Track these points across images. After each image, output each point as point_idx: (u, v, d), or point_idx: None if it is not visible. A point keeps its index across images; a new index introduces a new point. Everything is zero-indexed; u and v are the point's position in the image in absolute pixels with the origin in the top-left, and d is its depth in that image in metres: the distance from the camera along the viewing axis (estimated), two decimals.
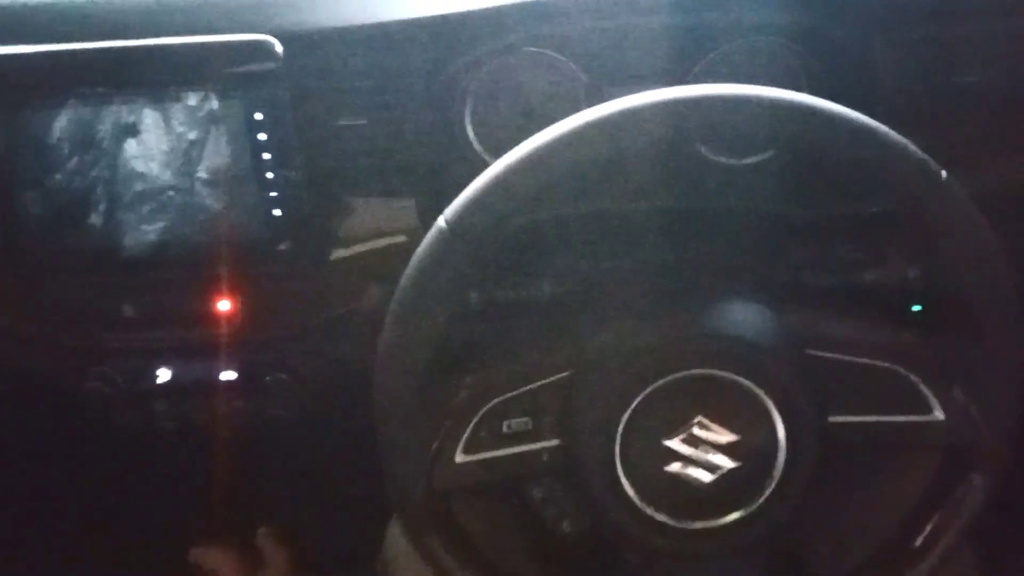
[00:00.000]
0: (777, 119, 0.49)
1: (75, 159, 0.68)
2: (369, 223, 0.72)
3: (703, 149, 0.73)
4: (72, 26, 0.68)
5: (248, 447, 0.80)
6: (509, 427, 0.55)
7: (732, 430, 0.53)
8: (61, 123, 0.67)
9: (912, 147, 0.50)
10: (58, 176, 0.69)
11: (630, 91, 0.51)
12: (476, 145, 0.74)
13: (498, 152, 0.52)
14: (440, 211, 0.52)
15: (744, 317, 0.56)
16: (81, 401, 0.75)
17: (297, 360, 0.76)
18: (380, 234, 0.73)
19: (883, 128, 0.50)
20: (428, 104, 0.70)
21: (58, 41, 0.66)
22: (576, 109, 0.52)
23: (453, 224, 0.51)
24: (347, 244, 0.73)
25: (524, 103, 0.73)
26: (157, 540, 0.97)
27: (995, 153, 0.71)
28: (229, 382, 0.76)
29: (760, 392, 0.52)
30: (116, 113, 0.67)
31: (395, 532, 0.82)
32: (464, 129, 0.73)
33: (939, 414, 0.54)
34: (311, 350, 0.76)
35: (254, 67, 0.65)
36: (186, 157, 0.68)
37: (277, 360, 0.75)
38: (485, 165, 0.52)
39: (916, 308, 0.66)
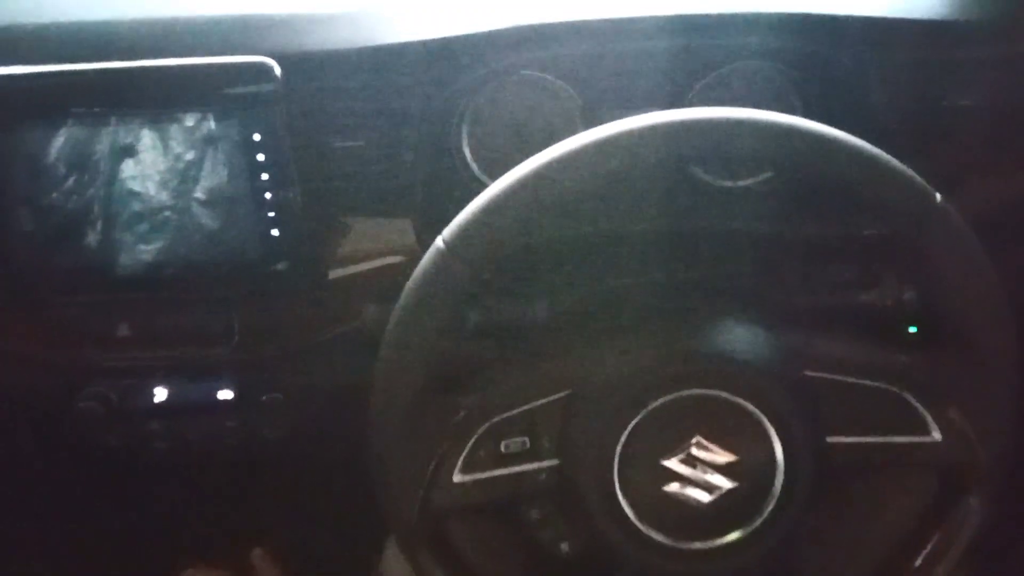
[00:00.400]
0: (773, 142, 0.50)
1: (72, 179, 0.68)
2: (366, 244, 0.73)
3: (699, 171, 0.73)
4: (71, 47, 0.68)
5: (243, 467, 0.80)
6: (507, 447, 0.55)
7: (730, 450, 0.53)
8: (58, 143, 0.67)
9: (908, 171, 0.50)
10: (54, 195, 0.69)
11: (626, 115, 0.52)
12: (473, 167, 0.74)
13: (495, 174, 0.53)
14: (437, 232, 0.52)
15: (742, 338, 0.56)
16: (75, 420, 0.75)
17: (293, 380, 0.75)
18: (377, 255, 0.73)
19: (879, 152, 0.50)
20: (425, 126, 0.70)
21: (56, 62, 0.66)
22: (572, 132, 0.52)
23: (451, 244, 0.51)
24: (344, 264, 0.73)
25: (521, 126, 0.74)
26: (151, 560, 0.96)
27: (988, 176, 0.72)
28: (224, 402, 0.75)
29: (758, 412, 0.52)
30: (113, 133, 0.67)
31: (391, 553, 0.82)
32: (461, 151, 0.74)
33: (936, 435, 0.54)
34: (307, 370, 0.76)
35: (252, 88, 0.66)
36: (183, 177, 0.69)
37: (273, 380, 0.75)
38: (482, 187, 0.52)
39: (912, 330, 0.66)
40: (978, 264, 0.52)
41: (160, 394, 0.76)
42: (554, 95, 0.73)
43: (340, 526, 0.95)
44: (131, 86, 0.67)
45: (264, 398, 0.75)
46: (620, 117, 0.51)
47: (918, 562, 0.56)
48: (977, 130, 0.72)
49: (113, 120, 0.67)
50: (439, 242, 0.52)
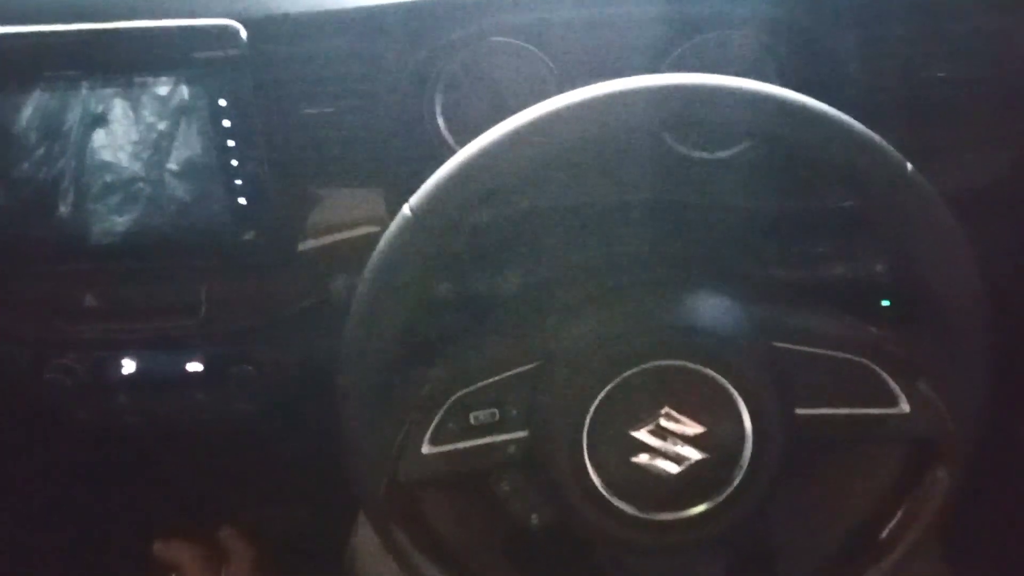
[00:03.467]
0: (747, 109, 0.49)
1: (36, 147, 0.67)
2: (337, 213, 0.71)
3: (673, 142, 0.72)
4: (38, 9, 0.66)
5: (213, 440, 0.79)
6: (476, 419, 0.54)
7: (699, 421, 0.53)
8: (27, 110, 0.66)
9: (879, 140, 0.50)
10: (20, 165, 0.67)
11: (600, 82, 0.51)
12: (446, 135, 0.73)
13: (468, 141, 0.52)
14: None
15: (711, 309, 0.55)
16: (42, 392, 0.74)
17: (263, 353, 0.75)
18: (348, 225, 0.72)
19: (849, 120, 0.50)
20: (397, 93, 0.69)
21: (24, 23, 0.64)
22: (545, 99, 0.51)
23: (418, 212, 0.50)
24: (314, 235, 0.72)
25: (494, 93, 0.72)
26: (119, 534, 0.95)
27: (964, 149, 0.72)
28: (193, 374, 0.74)
29: (727, 383, 0.52)
30: (83, 99, 0.66)
31: (364, 528, 0.82)
32: (434, 118, 0.73)
33: (905, 407, 0.54)
34: (278, 343, 0.75)
35: (218, 52, 0.64)
36: (149, 144, 0.67)
37: (243, 353, 0.74)
38: (455, 153, 0.51)
39: (885, 303, 0.66)
40: (949, 235, 0.52)
41: (128, 366, 0.75)
42: (528, 62, 0.71)
43: (312, 501, 0.95)
44: (98, 48, 0.65)
45: (234, 370, 0.74)
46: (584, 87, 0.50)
47: (884, 533, 0.56)
48: (954, 102, 0.71)
49: (82, 85, 0.66)
50: (405, 209, 0.51)
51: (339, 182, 0.71)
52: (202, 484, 0.85)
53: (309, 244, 0.72)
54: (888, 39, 0.70)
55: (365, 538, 0.81)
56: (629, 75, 0.51)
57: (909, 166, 0.50)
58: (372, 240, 0.60)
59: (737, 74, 0.51)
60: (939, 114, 0.71)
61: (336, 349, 0.54)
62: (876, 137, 0.50)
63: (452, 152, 0.72)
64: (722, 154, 0.73)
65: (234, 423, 0.77)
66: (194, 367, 0.74)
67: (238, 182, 0.67)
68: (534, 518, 0.62)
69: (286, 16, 0.66)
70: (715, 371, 0.52)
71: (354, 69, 0.67)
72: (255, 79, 0.65)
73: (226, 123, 0.66)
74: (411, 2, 0.67)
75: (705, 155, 0.73)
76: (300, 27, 0.66)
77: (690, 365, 0.52)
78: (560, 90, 0.70)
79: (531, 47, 0.71)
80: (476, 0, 0.68)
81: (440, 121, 0.73)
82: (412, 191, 0.52)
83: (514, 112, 0.51)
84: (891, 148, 0.50)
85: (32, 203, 0.68)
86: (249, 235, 0.69)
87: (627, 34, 0.70)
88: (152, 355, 0.75)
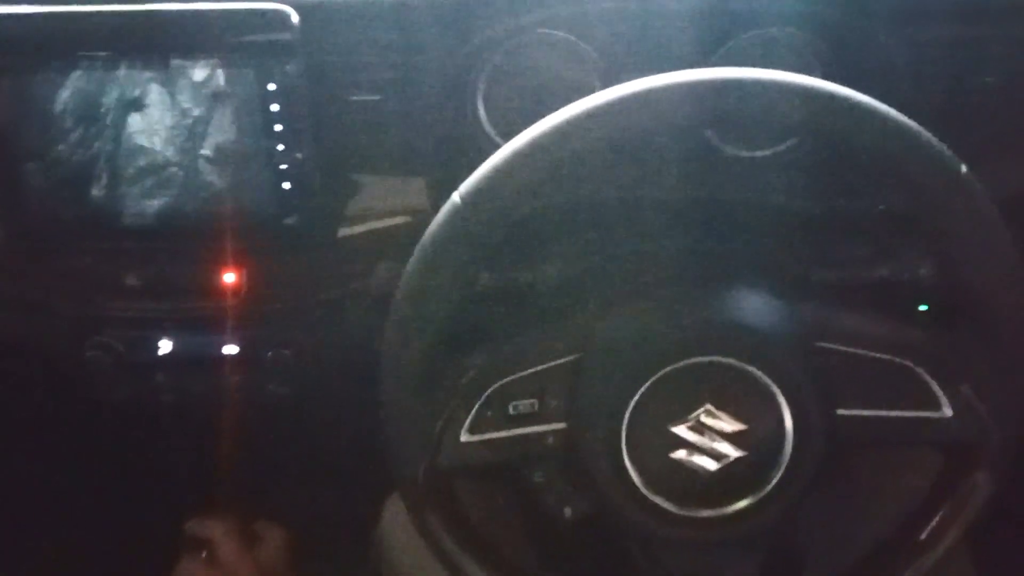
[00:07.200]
0: (801, 105, 0.49)
1: (81, 128, 0.68)
2: (378, 201, 0.72)
3: (717, 141, 0.72)
4: None
5: (247, 422, 0.80)
6: (515, 408, 0.54)
7: (739, 419, 0.52)
8: (68, 90, 0.67)
9: (933, 139, 0.49)
10: (64, 144, 0.68)
11: (645, 76, 0.50)
12: (487, 126, 0.73)
13: (509, 134, 0.52)
14: (449, 191, 0.52)
15: (756, 306, 0.55)
16: (82, 369, 0.75)
17: (300, 336, 0.75)
18: (389, 212, 0.72)
19: (905, 119, 0.49)
20: (442, 82, 0.69)
21: (66, 3, 0.65)
22: (589, 92, 0.51)
23: (468, 199, 0.50)
24: (355, 221, 0.72)
25: (538, 85, 0.72)
26: (152, 511, 0.96)
27: (1012, 154, 0.71)
28: (230, 356, 0.75)
29: (769, 382, 0.52)
30: (125, 80, 0.67)
31: (391, 513, 0.82)
32: (476, 109, 0.73)
33: (947, 411, 0.53)
34: (315, 327, 0.75)
35: (269, 36, 0.64)
36: (195, 127, 0.68)
37: (280, 336, 0.75)
38: (496, 146, 0.51)
39: (923, 308, 0.66)
40: (999, 240, 0.51)
41: (165, 346, 0.75)
42: (573, 55, 0.71)
43: (341, 486, 0.95)
44: (145, 30, 0.66)
45: (270, 354, 0.75)
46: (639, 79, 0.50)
47: (923, 535, 0.55)
48: (1002, 108, 0.71)
49: (125, 66, 0.66)
50: (455, 197, 0.51)
51: (381, 169, 0.71)
52: (234, 465, 0.86)
53: (350, 230, 0.72)
54: (935, 42, 0.69)
55: (392, 524, 0.82)
56: (674, 70, 0.51)
57: (964, 168, 0.50)
58: (412, 228, 0.60)
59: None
60: (985, 119, 0.70)
61: (373, 335, 0.55)
62: (932, 137, 0.49)
63: (493, 143, 0.73)
64: (764, 153, 0.73)
65: (269, 404, 0.77)
66: (231, 349, 0.75)
67: (283, 167, 0.68)
68: (567, 511, 0.62)
69: (337, 2, 0.66)
70: (757, 368, 0.52)
71: (401, 58, 0.68)
72: (304, 64, 0.66)
73: (274, 107, 0.66)
74: None
75: (747, 154, 0.73)
76: (350, 13, 0.66)
77: (733, 362, 0.52)
78: (605, 84, 0.70)
79: (577, 40, 0.71)
80: None
81: (482, 112, 0.73)
82: (453, 180, 0.52)
83: (557, 106, 0.51)
84: (947, 149, 0.50)
85: (77, 182, 0.69)
86: (292, 220, 0.69)
87: (673, 29, 0.70)
88: (190, 335, 0.75)
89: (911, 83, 0.69)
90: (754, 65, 0.71)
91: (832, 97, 0.49)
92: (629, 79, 0.51)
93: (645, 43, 0.70)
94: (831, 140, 0.50)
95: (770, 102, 0.49)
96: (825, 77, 0.71)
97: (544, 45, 0.71)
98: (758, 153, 0.72)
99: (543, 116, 0.50)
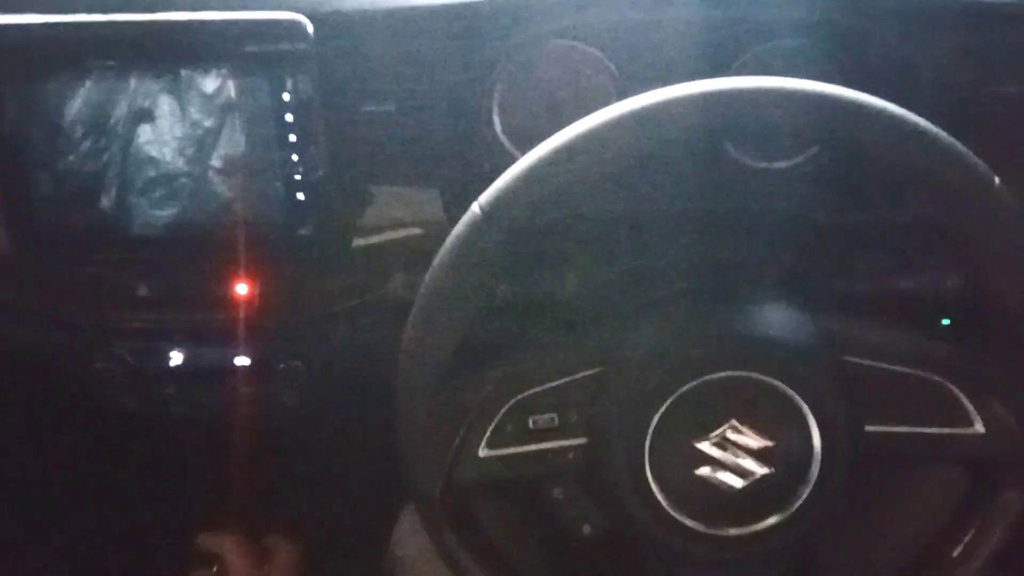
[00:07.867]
0: (829, 114, 0.48)
1: (92, 137, 0.67)
2: (392, 211, 0.71)
3: (736, 152, 0.71)
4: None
5: (259, 435, 0.79)
6: (535, 423, 0.54)
7: (765, 435, 0.51)
8: (79, 100, 0.66)
9: (966, 151, 0.48)
10: (75, 154, 0.67)
11: (661, 87, 0.50)
12: (502, 137, 0.72)
13: (525, 144, 0.51)
14: (464, 203, 0.51)
15: (781, 321, 0.54)
16: (92, 380, 0.74)
17: (312, 348, 0.74)
18: (403, 223, 0.71)
19: (936, 129, 0.48)
20: (456, 93, 0.69)
21: (78, 11, 0.65)
22: (605, 103, 0.50)
23: (488, 210, 0.50)
24: (369, 232, 0.72)
25: (552, 95, 0.72)
26: (163, 524, 0.96)
27: None
28: (242, 367, 0.74)
29: (796, 397, 0.51)
30: (137, 90, 0.66)
31: (404, 527, 0.81)
32: (491, 120, 0.72)
33: (979, 427, 0.52)
34: (327, 339, 0.75)
35: (284, 46, 0.64)
36: (206, 136, 0.67)
37: (292, 347, 0.74)
38: (511, 157, 0.51)
39: (945, 321, 0.65)
40: None
41: (176, 358, 0.75)
42: (589, 65, 0.71)
43: (354, 499, 0.95)
44: (157, 40, 0.65)
45: (281, 365, 0.74)
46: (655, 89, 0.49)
47: (956, 552, 0.54)
48: (1020, 118, 0.70)
49: (137, 75, 0.66)
50: (475, 207, 0.50)
51: (395, 180, 0.71)
52: (245, 477, 0.85)
53: (363, 241, 0.72)
54: (956, 51, 0.68)
55: (406, 538, 0.81)
56: (691, 80, 0.50)
57: (996, 180, 0.49)
58: (426, 239, 0.59)
59: None
60: (1007, 129, 0.70)
61: (385, 347, 0.54)
62: (963, 147, 0.48)
63: (508, 154, 0.72)
64: (783, 164, 0.72)
65: (281, 417, 0.76)
66: (243, 360, 0.74)
67: (297, 177, 0.67)
68: (586, 528, 0.61)
69: (351, 13, 0.66)
70: (784, 383, 0.51)
71: (415, 68, 0.67)
72: (318, 74, 0.65)
73: (288, 118, 0.66)
74: (474, 3, 0.67)
75: (768, 165, 0.72)
76: (364, 24, 0.66)
77: (759, 377, 0.51)
78: (621, 95, 0.69)
79: (593, 50, 0.70)
80: (539, 2, 0.67)
81: (497, 123, 0.72)
82: (467, 191, 0.52)
83: (572, 116, 0.50)
84: (978, 160, 0.49)
85: (90, 192, 0.68)
86: (305, 230, 0.69)
87: (691, 40, 0.69)
88: (201, 347, 0.75)
89: (932, 91, 0.68)
90: (775, 75, 0.71)
91: (859, 105, 0.48)
92: (644, 90, 0.50)
93: (661, 54, 0.69)
94: (857, 150, 0.49)
95: (794, 110, 0.48)
96: (846, 86, 0.71)
97: (559, 56, 0.71)
98: (779, 164, 0.72)
99: (558, 127, 0.50)
